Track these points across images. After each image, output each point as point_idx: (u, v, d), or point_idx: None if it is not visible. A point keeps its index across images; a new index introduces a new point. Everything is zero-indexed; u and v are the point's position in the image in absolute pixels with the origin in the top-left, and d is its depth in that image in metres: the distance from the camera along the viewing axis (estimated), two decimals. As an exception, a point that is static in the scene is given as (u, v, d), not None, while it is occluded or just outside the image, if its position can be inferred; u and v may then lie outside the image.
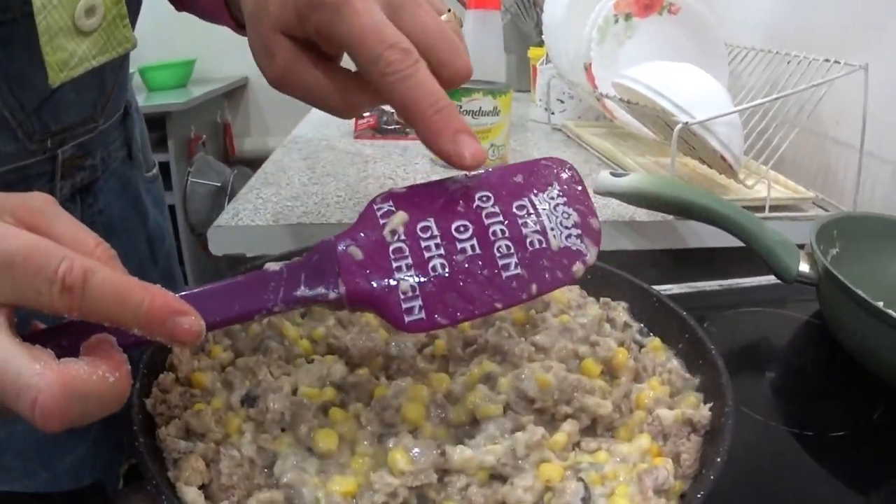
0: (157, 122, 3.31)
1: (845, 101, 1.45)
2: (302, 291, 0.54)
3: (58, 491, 0.59)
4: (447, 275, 0.55)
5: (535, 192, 0.60)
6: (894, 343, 0.83)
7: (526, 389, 0.63)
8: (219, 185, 3.68)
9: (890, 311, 0.81)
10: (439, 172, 1.53)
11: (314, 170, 1.50)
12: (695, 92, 1.31)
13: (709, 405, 0.66)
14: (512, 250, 0.57)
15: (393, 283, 0.55)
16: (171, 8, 1.03)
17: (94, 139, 0.97)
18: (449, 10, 0.69)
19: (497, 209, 0.59)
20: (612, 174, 1.10)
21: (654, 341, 0.77)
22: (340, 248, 0.56)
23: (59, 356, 0.44)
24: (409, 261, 0.56)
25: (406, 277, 0.55)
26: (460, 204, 0.59)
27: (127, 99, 1.08)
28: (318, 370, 0.67)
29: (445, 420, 0.63)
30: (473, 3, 1.69)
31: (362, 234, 0.57)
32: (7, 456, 0.91)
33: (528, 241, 0.57)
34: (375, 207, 0.59)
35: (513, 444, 0.59)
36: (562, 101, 2.09)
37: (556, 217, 0.59)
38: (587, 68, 1.68)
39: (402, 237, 0.57)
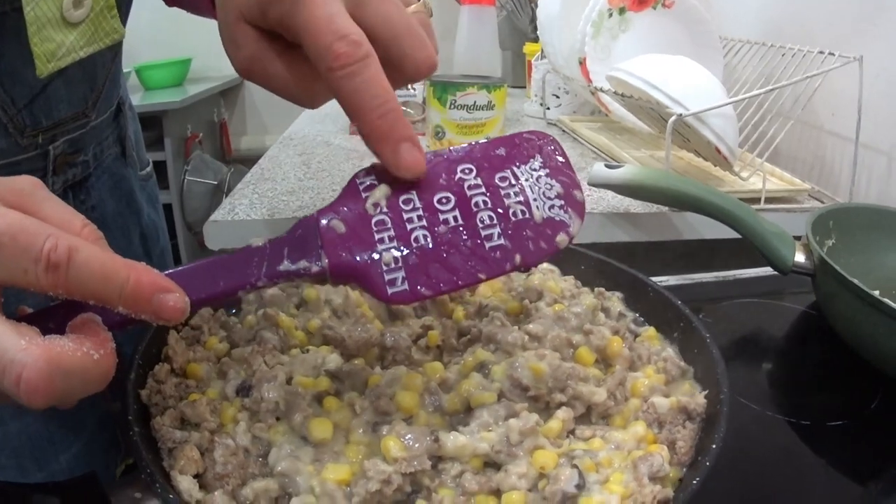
0: (154, 121, 3.32)
1: (840, 93, 1.45)
2: (285, 266, 0.54)
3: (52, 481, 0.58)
4: (430, 246, 0.55)
5: (518, 163, 0.60)
6: (890, 332, 0.83)
7: (520, 377, 0.63)
8: (215, 183, 3.69)
9: (886, 300, 0.81)
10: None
11: (309, 165, 1.51)
12: (689, 84, 1.32)
13: (704, 392, 0.66)
14: (495, 221, 0.56)
15: (375, 255, 0.55)
16: (167, 7, 1.03)
17: (86, 135, 0.96)
18: (419, 0, 0.69)
19: (479, 181, 0.58)
20: (607, 166, 1.10)
21: (649, 330, 0.77)
22: (323, 222, 0.56)
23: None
24: (392, 233, 0.55)
25: (388, 249, 0.55)
26: (442, 176, 0.59)
27: (120, 96, 1.08)
28: (313, 359, 0.67)
29: (440, 408, 0.63)
30: (468, -1, 1.70)
31: (344, 208, 0.57)
32: (1, 455, 0.91)
33: (510, 211, 0.57)
34: (358, 182, 0.59)
35: (506, 430, 0.59)
36: (557, 97, 2.09)
37: (539, 188, 0.58)
38: (582, 63, 1.69)
39: (385, 210, 0.56)
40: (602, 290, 0.82)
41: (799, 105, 1.38)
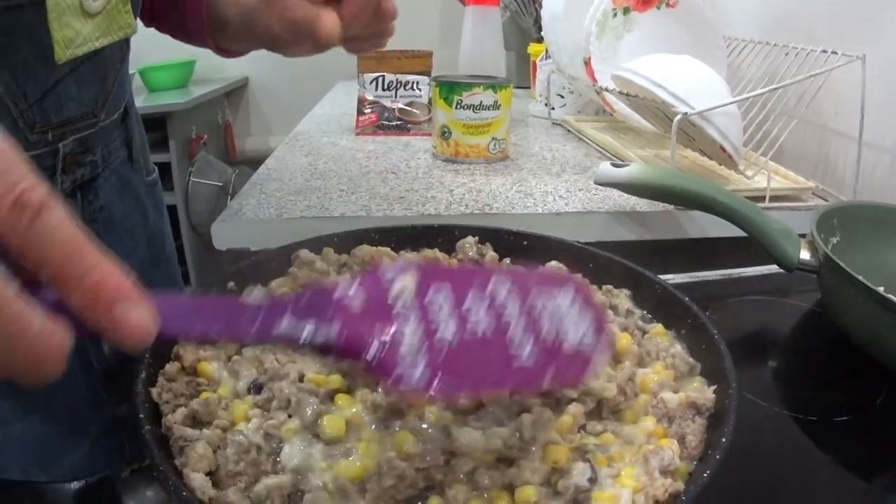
0: (158, 123, 3.31)
1: (843, 91, 1.45)
2: (282, 328, 0.48)
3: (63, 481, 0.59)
4: (453, 352, 0.51)
5: (552, 295, 0.59)
6: (895, 328, 0.83)
7: None
8: (220, 184, 3.68)
9: (891, 297, 0.81)
10: (440, 167, 1.54)
11: (316, 166, 1.51)
12: (693, 83, 1.32)
13: (713, 388, 0.66)
14: (524, 342, 0.54)
15: (393, 340, 0.50)
16: None
17: (95, 135, 0.97)
18: None
19: (514, 299, 0.56)
20: (613, 165, 1.11)
21: (657, 327, 0.77)
22: (338, 293, 0.52)
23: None
24: (414, 328, 0.51)
25: (409, 343, 0.50)
26: (476, 285, 0.56)
27: (127, 100, 1.08)
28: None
29: (451, 406, 0.63)
30: (472, 0, 1.70)
31: (363, 288, 0.53)
32: (4, 459, 0.91)
33: (540, 335, 0.55)
34: (380, 272, 0.55)
35: (519, 425, 0.59)
36: (561, 97, 2.09)
37: (571, 319, 0.57)
38: (586, 62, 1.69)
39: (407, 303, 0.53)
40: (610, 287, 0.82)
41: (802, 103, 1.38)
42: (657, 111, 1.45)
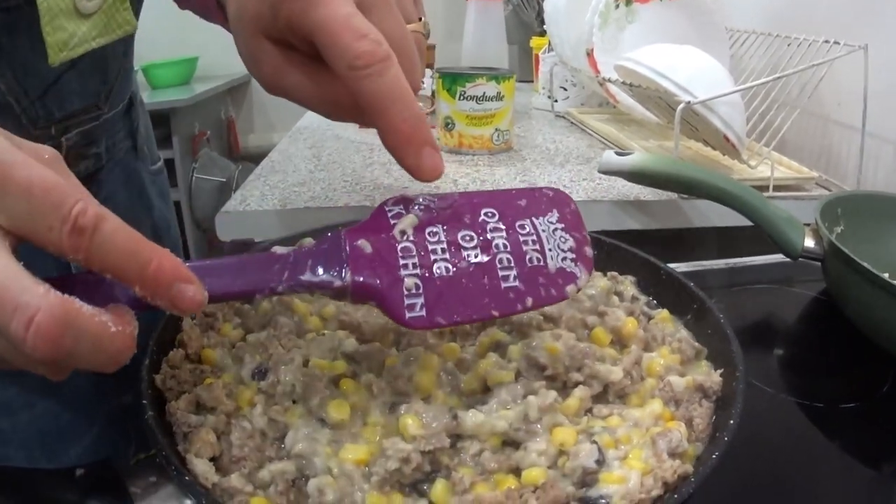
0: (162, 119, 3.32)
1: (846, 82, 1.45)
2: (308, 276, 0.55)
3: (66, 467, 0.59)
4: (450, 278, 0.57)
5: (537, 215, 0.63)
6: (901, 315, 0.83)
7: (536, 357, 0.64)
8: (223, 180, 3.69)
9: (896, 283, 0.81)
10: (444, 158, 1.53)
11: (320, 158, 1.51)
12: (696, 72, 1.32)
13: (719, 371, 0.66)
14: (512, 264, 0.59)
15: (398, 278, 0.56)
16: (174, 6, 1.04)
17: (99, 128, 0.97)
18: (420, 19, 0.70)
19: (501, 225, 0.61)
20: (617, 153, 1.11)
21: (663, 313, 0.77)
22: (350, 240, 0.58)
23: None
24: (416, 260, 0.57)
25: (411, 275, 0.57)
26: (467, 216, 0.61)
27: (132, 91, 1.08)
28: (329, 342, 0.68)
29: (457, 388, 0.63)
30: (475, -6, 1.70)
31: (372, 231, 0.59)
32: (10, 447, 0.91)
33: (527, 257, 0.60)
34: (387, 209, 0.61)
35: (525, 408, 0.59)
36: (564, 89, 2.09)
37: (555, 240, 0.61)
38: (589, 54, 1.69)
39: (411, 238, 0.59)
40: (615, 273, 0.82)
41: (805, 94, 1.39)
42: (660, 101, 1.45)
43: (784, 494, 0.69)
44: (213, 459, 0.57)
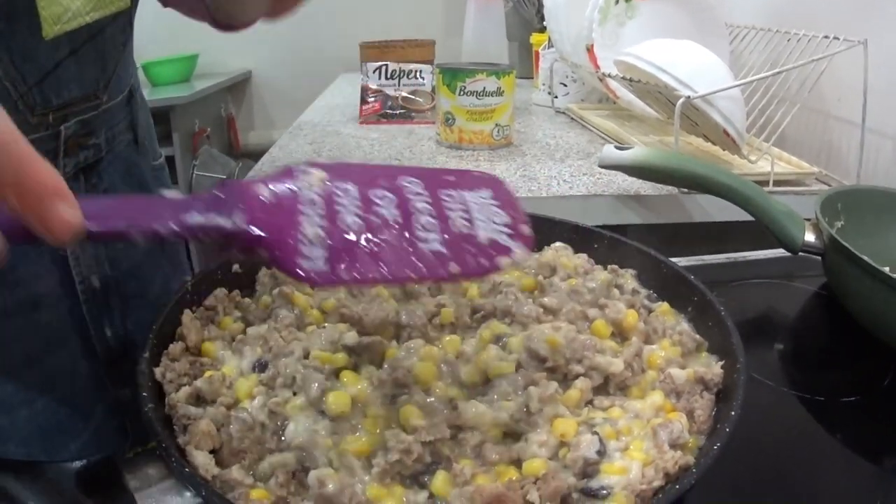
0: (162, 117, 3.32)
1: (846, 78, 1.45)
2: (196, 219, 0.50)
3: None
4: (359, 232, 0.53)
5: (467, 188, 0.60)
6: (902, 309, 0.83)
7: (537, 349, 0.64)
8: (224, 177, 3.68)
9: (897, 276, 0.81)
10: (444, 153, 1.55)
11: (320, 153, 1.51)
12: (696, 67, 1.32)
13: (720, 363, 0.66)
14: (434, 227, 0.55)
15: (297, 226, 0.52)
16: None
17: (98, 118, 0.96)
18: None
19: (423, 191, 0.58)
20: (617, 147, 1.11)
21: (663, 306, 0.77)
22: (250, 188, 0.53)
23: None
24: (321, 211, 0.53)
25: (313, 225, 0.52)
26: (384, 179, 0.58)
27: (132, 84, 1.08)
28: (330, 335, 0.68)
29: (457, 380, 0.63)
30: (476, -9, 1.71)
31: (275, 181, 0.55)
32: (10, 444, 0.91)
33: (451, 223, 0.56)
34: (293, 166, 0.57)
35: (526, 399, 0.59)
36: (564, 85, 2.09)
37: (486, 213, 0.58)
38: (589, 49, 1.69)
39: (317, 191, 0.55)
40: (615, 266, 0.82)
41: (805, 89, 1.38)
42: (660, 96, 1.45)
43: (785, 487, 0.69)
44: (213, 452, 0.57)
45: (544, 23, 1.95)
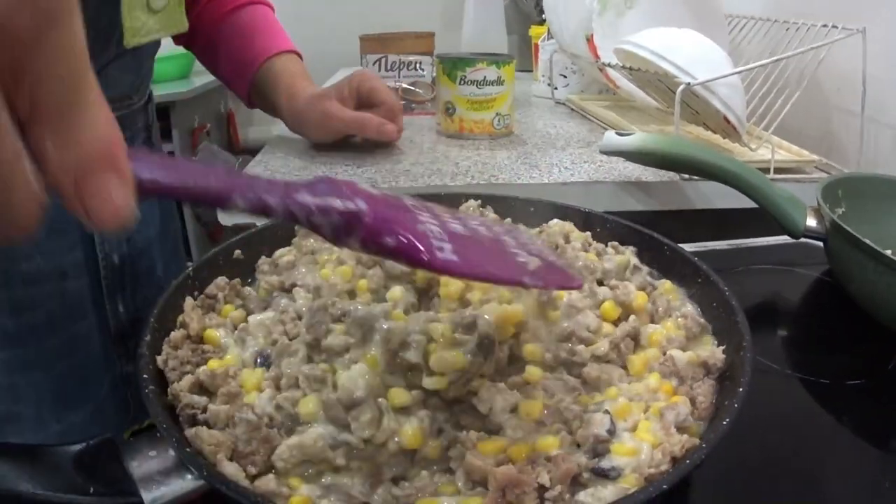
0: (161, 113, 3.28)
1: (845, 68, 1.45)
2: (307, 197, 0.46)
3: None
4: (470, 238, 0.54)
5: (521, 233, 0.65)
6: (905, 292, 0.83)
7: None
8: (224, 173, 3.68)
9: (899, 259, 0.81)
10: (445, 142, 1.55)
11: (321, 144, 1.51)
12: (696, 54, 1.32)
13: (722, 347, 0.66)
14: (518, 248, 0.57)
15: (417, 220, 0.51)
16: None
17: (125, 118, 1.06)
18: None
19: (498, 228, 0.61)
20: (619, 133, 1.11)
21: (666, 284, 0.77)
22: (352, 182, 0.49)
23: None
24: (431, 216, 0.52)
25: (432, 223, 0.51)
26: (463, 216, 0.59)
27: (149, 87, 1.20)
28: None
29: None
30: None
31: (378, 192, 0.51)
32: (22, 404, 0.97)
33: (529, 248, 0.58)
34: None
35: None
36: (564, 77, 2.09)
37: (545, 249, 0.62)
38: (589, 39, 1.68)
39: (421, 207, 0.54)
40: (616, 244, 0.82)
41: (804, 78, 1.38)
42: (660, 84, 1.45)
43: (791, 469, 0.69)
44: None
45: (543, 16, 1.95)
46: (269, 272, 0.79)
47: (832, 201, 1.02)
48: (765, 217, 1.03)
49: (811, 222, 0.99)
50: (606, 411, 0.57)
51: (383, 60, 1.87)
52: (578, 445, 0.56)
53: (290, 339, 0.66)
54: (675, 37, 1.38)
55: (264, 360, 0.64)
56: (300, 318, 0.70)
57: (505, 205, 0.91)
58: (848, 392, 0.81)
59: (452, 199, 0.90)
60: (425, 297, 0.72)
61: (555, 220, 0.87)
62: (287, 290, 0.74)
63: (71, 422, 1.02)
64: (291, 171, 1.33)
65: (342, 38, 2.95)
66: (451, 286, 0.68)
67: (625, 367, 0.66)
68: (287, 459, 0.55)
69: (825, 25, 1.39)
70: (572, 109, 1.98)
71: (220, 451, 0.55)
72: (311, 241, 0.82)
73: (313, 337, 0.63)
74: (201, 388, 0.61)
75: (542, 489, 0.52)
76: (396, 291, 0.67)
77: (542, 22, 2.16)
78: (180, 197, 0.43)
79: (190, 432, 0.56)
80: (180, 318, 0.69)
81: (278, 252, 0.82)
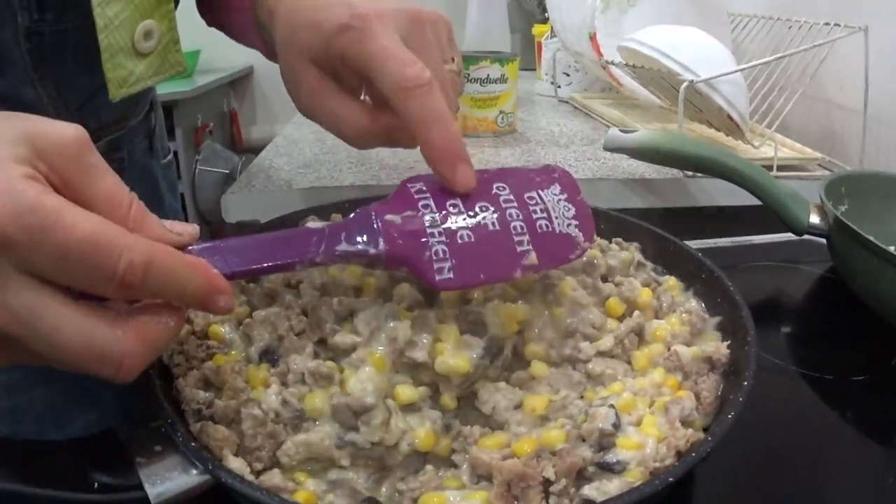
0: (165, 111, 3.29)
1: (847, 66, 1.46)
2: (344, 246, 0.59)
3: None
4: (472, 244, 0.61)
5: (542, 188, 0.68)
6: (909, 288, 0.83)
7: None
8: (227, 172, 3.69)
9: (903, 256, 0.81)
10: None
11: (324, 142, 1.51)
12: (699, 51, 1.32)
13: (727, 342, 0.66)
14: (524, 230, 0.63)
15: (426, 246, 0.60)
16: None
17: (124, 136, 1.01)
18: (453, 59, 0.78)
19: (512, 197, 0.66)
20: (622, 130, 1.11)
21: (671, 280, 0.77)
22: (380, 213, 0.62)
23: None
24: (440, 229, 0.61)
25: (438, 242, 0.61)
26: (482, 189, 0.66)
27: (153, 96, 1.15)
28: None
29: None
30: (477, -18, 1.70)
31: (398, 206, 0.63)
32: (25, 421, 0.93)
33: (537, 224, 0.64)
34: (409, 186, 0.66)
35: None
36: (567, 75, 2.09)
37: (559, 210, 0.66)
38: (592, 38, 1.69)
39: (434, 210, 0.63)
40: (620, 239, 0.82)
41: (806, 76, 1.39)
42: (663, 82, 1.45)
43: (795, 465, 0.69)
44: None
45: (546, 14, 1.95)
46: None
47: (835, 198, 1.02)
48: (768, 214, 1.03)
49: (814, 219, 0.99)
50: (611, 406, 0.57)
51: (386, 58, 1.87)
52: (583, 440, 0.56)
53: (296, 335, 0.66)
54: (679, 34, 1.38)
55: (270, 356, 0.64)
56: (306, 314, 0.70)
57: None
58: (851, 388, 0.82)
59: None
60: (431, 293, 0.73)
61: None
62: (293, 286, 0.74)
63: (72, 432, 0.98)
64: (295, 168, 1.32)
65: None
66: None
67: (629, 363, 0.66)
68: (293, 456, 0.56)
69: (827, 23, 1.39)
70: (575, 107, 1.98)
71: (225, 447, 0.55)
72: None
73: (319, 336, 0.64)
74: (207, 384, 0.61)
75: (547, 483, 0.52)
76: (404, 288, 0.67)
77: (545, 20, 2.16)
78: (253, 276, 0.62)
79: (195, 427, 0.56)
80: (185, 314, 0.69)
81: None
